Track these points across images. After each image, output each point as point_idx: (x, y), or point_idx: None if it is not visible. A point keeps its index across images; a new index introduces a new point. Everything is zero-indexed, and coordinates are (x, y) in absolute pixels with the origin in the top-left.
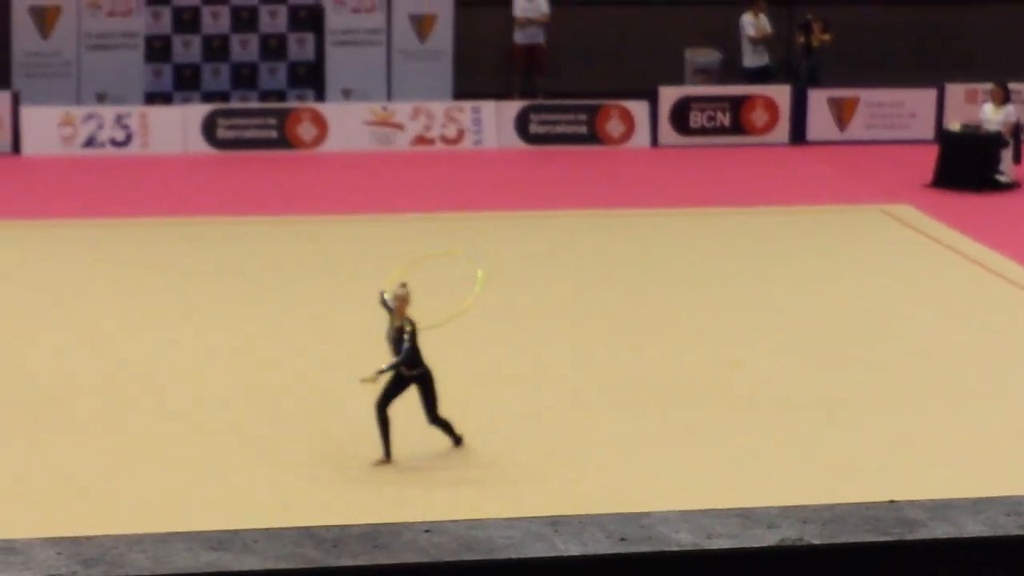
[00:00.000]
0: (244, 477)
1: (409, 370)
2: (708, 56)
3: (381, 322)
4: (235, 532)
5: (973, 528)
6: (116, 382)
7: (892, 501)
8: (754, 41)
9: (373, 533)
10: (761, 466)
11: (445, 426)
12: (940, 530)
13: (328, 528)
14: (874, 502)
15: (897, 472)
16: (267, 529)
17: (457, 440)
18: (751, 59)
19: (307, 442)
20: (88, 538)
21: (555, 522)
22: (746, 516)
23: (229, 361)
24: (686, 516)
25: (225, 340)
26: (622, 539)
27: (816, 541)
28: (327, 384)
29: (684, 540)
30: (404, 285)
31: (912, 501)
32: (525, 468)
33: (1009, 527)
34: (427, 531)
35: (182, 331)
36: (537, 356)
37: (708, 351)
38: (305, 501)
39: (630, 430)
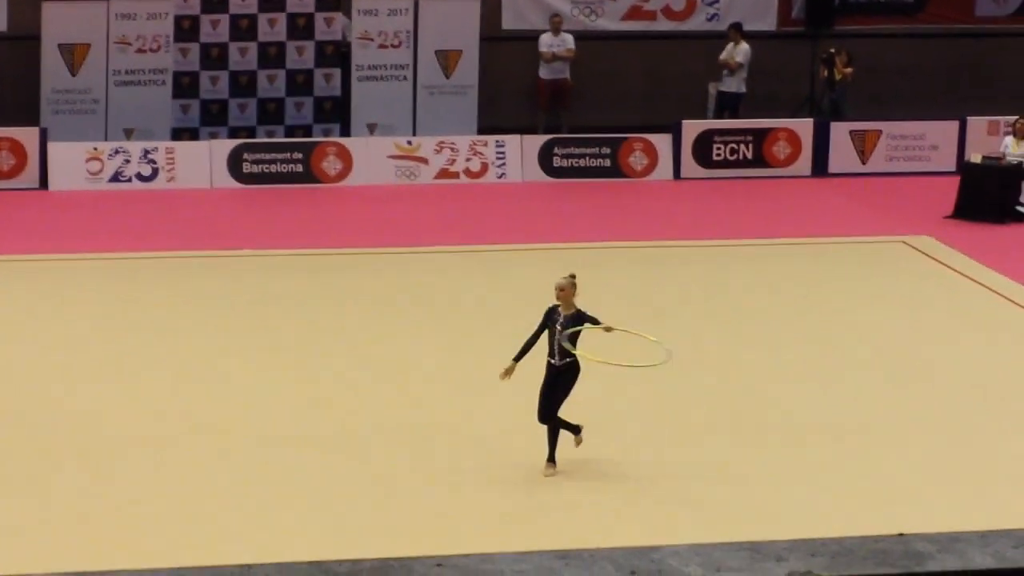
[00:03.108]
0: (257, 511)
1: (560, 359)
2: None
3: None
4: (248, 567)
5: (981, 561)
6: (145, 416)
7: (901, 534)
8: (723, 66)
9: (384, 567)
10: (771, 497)
11: (561, 424)
12: (948, 563)
13: (340, 563)
14: (882, 535)
15: (907, 504)
16: (279, 564)
17: (576, 430)
18: (725, 83)
19: (324, 475)
20: (103, 572)
21: (565, 555)
22: (755, 550)
23: (260, 394)
24: (696, 549)
25: (255, 374)
26: (632, 572)
27: (824, 574)
28: (348, 417)
29: (694, 573)
30: (572, 276)
31: (920, 534)
32: (535, 500)
33: (1017, 559)
34: (438, 565)
35: (213, 365)
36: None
37: (730, 383)
38: (317, 534)
39: (643, 463)
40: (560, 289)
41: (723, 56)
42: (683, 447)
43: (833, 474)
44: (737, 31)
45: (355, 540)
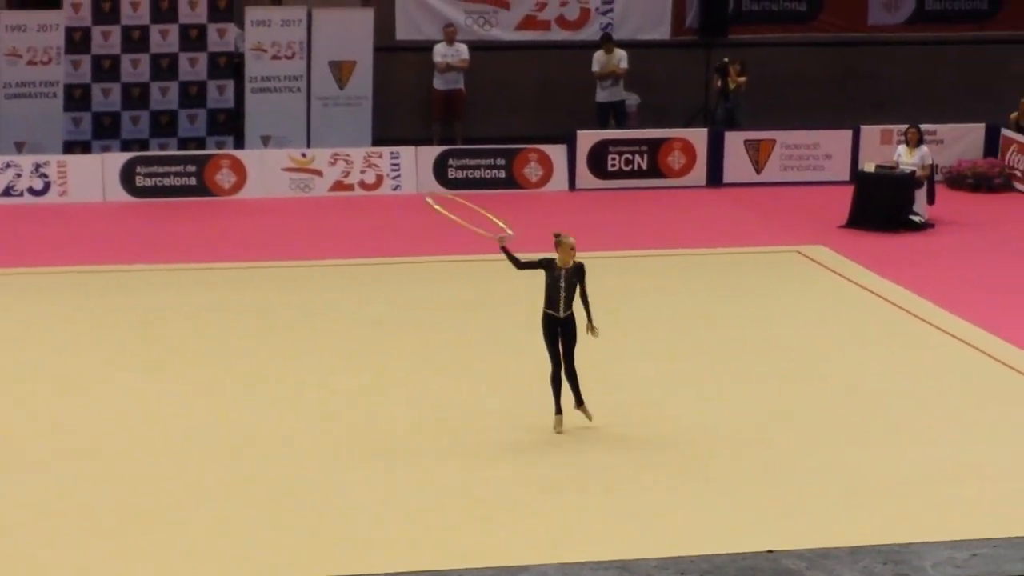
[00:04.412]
0: (168, 531)
1: (564, 312)
2: (627, 99)
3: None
4: None
5: None
6: (35, 435)
7: (770, 551)
8: (598, 76)
9: None
10: (642, 513)
11: (574, 380)
12: None
13: None
14: (752, 552)
15: (779, 519)
16: None
17: (579, 401)
18: (600, 94)
19: (210, 492)
20: None
21: None
22: (625, 568)
23: (154, 410)
24: (564, 569)
25: (146, 389)
26: None
27: None
28: (254, 432)
29: None
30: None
31: (790, 550)
32: (411, 521)
33: (886, 575)
34: None
35: (104, 383)
36: (438, 404)
37: (619, 394)
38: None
39: (515, 475)
40: (572, 248)
41: (598, 68)
42: (563, 461)
43: (706, 489)
44: (610, 40)
45: (235, 561)
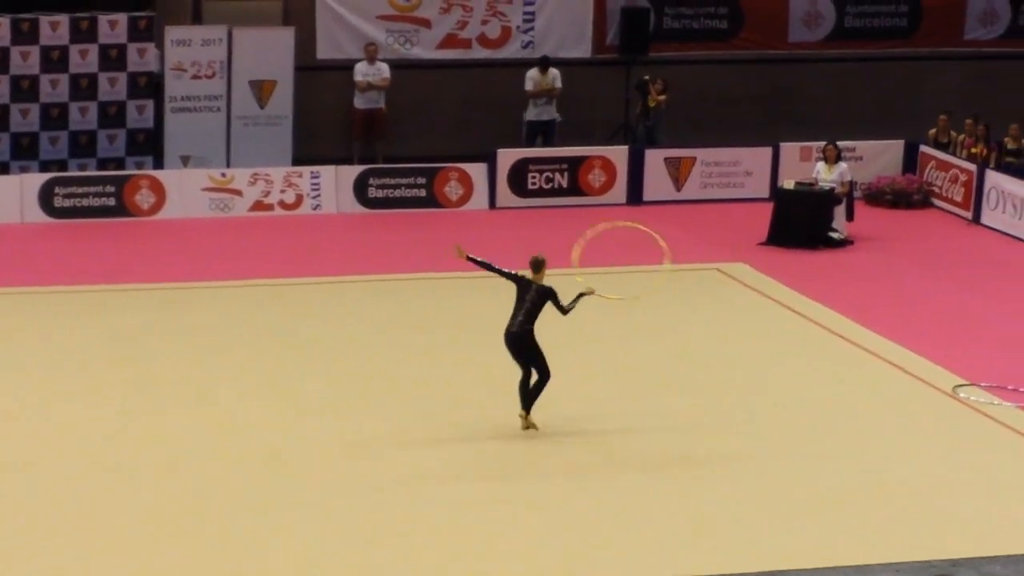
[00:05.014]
0: (102, 544)
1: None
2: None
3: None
4: None
5: None
6: None
7: None
8: (532, 95)
9: None
10: (552, 539)
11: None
12: None
13: None
14: None
15: (684, 546)
16: None
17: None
18: (530, 112)
19: (150, 515)
20: None
21: None
22: None
23: (78, 435)
24: None
25: (73, 412)
26: None
27: None
28: (171, 449)
29: None
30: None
31: None
32: (311, 544)
33: None
34: None
35: (24, 405)
36: (363, 426)
37: (535, 413)
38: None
39: (421, 500)
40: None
41: (532, 87)
42: (484, 479)
43: (612, 514)
44: (547, 62)
45: None
